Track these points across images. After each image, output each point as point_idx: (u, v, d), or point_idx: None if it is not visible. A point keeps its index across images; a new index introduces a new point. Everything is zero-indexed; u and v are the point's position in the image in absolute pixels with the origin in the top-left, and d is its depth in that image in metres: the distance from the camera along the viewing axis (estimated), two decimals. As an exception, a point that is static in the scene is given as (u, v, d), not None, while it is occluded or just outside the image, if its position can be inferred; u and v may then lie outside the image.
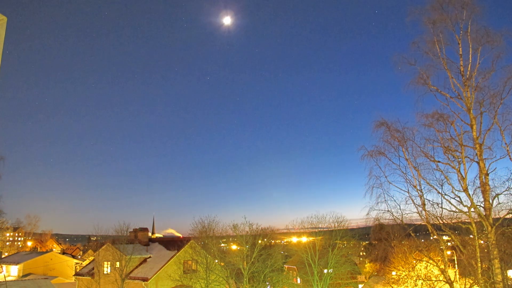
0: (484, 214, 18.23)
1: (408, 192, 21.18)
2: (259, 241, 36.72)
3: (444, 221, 20.18)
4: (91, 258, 56.60)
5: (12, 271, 50.35)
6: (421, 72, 20.25)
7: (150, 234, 49.55)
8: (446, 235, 21.37)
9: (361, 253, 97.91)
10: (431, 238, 26.08)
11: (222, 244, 70.27)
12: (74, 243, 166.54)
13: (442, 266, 21.56)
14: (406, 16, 20.97)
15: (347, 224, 43.73)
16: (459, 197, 19.35)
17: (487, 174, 18.40)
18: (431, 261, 22.80)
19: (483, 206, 18.47)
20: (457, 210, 19.39)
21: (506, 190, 18.35)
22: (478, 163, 18.75)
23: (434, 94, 20.31)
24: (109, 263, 37.08)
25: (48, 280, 36.05)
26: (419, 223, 21.73)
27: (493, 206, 18.38)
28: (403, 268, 33.11)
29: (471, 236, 19.84)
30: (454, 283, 20.74)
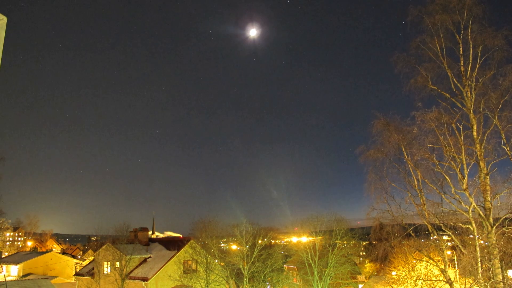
0: (484, 214, 18.23)
1: (408, 191, 21.20)
2: (259, 241, 36.74)
3: (444, 221, 20.17)
4: (91, 258, 56.58)
5: (12, 271, 50.34)
6: (421, 72, 20.25)
7: (150, 233, 49.56)
8: (446, 235, 21.36)
9: (361, 253, 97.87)
10: (431, 238, 26.08)
11: (222, 244, 70.35)
12: (74, 243, 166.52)
13: (442, 266, 21.55)
14: (407, 16, 20.97)
15: (347, 224, 43.76)
16: (459, 197, 19.36)
17: (487, 174, 18.40)
18: (431, 261, 22.79)
19: (483, 206, 18.47)
20: (457, 210, 19.38)
21: (506, 190, 18.36)
22: (478, 163, 18.74)
23: (434, 94, 20.31)
24: (109, 263, 37.07)
25: (48, 280, 36.04)
26: (419, 223, 21.72)
27: (493, 206, 18.39)
28: (403, 268, 33.11)
29: (471, 236, 19.85)
30: (454, 283, 20.74)
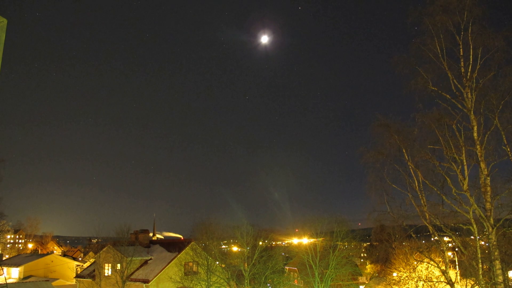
0: (485, 215, 18.22)
1: (408, 193, 21.18)
2: (260, 243, 36.74)
3: (445, 222, 20.15)
4: (92, 260, 56.57)
5: (13, 274, 50.34)
6: (421, 73, 20.25)
7: (151, 235, 49.56)
8: (447, 236, 21.33)
9: (362, 254, 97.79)
10: (432, 239, 26.05)
11: (223, 246, 70.25)
12: (75, 245, 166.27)
13: (443, 267, 21.54)
14: (406, 17, 20.98)
15: (348, 225, 43.71)
16: (460, 198, 19.35)
17: (488, 175, 18.39)
18: (432, 262, 22.76)
19: (484, 207, 18.46)
20: (458, 211, 19.37)
21: (507, 191, 18.35)
22: (479, 164, 18.73)
23: (434, 95, 20.30)
24: (110, 265, 37.08)
25: (49, 283, 36.09)
26: (420, 224, 21.70)
27: (494, 207, 18.38)
28: (404, 269, 33.09)
29: (472, 237, 19.83)
30: (455, 284, 20.72)
